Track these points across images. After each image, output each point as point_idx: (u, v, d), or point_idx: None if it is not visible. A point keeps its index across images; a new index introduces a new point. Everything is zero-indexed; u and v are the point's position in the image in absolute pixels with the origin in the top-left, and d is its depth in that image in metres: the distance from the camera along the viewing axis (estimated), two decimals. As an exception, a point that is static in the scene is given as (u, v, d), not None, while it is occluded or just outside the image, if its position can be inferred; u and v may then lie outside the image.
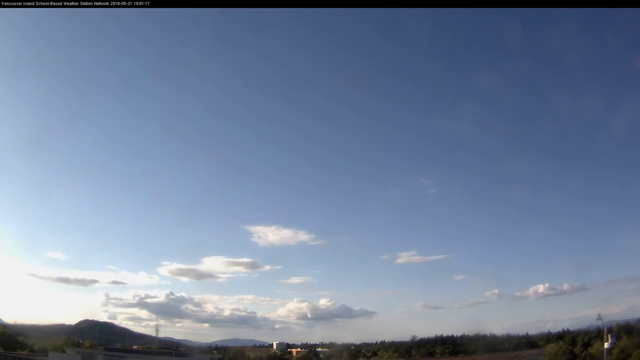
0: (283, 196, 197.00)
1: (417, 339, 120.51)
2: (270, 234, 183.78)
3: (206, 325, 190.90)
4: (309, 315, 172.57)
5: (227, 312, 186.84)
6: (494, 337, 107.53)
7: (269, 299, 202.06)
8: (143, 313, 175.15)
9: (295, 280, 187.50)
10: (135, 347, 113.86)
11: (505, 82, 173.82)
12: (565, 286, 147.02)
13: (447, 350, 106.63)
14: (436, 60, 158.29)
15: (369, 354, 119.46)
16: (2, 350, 73.11)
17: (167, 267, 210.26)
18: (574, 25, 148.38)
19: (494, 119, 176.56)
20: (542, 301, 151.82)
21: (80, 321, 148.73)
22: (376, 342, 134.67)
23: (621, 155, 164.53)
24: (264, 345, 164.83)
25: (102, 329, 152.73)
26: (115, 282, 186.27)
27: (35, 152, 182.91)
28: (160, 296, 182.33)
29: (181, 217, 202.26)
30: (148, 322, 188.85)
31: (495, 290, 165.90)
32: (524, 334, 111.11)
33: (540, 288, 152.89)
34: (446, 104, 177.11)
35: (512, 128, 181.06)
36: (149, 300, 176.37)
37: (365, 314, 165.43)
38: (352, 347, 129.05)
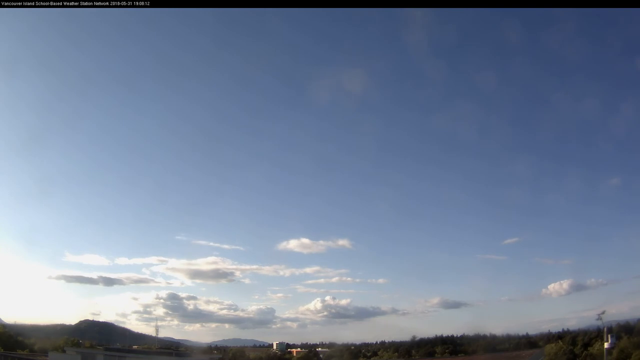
0: (295, 200, 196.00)
1: (417, 339, 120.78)
2: (296, 240, 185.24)
3: (227, 325, 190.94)
4: (335, 314, 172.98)
5: (247, 313, 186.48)
6: (494, 337, 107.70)
7: (289, 296, 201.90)
8: (157, 313, 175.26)
9: (321, 281, 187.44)
10: (135, 347, 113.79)
11: (505, 82, 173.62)
12: (591, 281, 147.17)
13: (447, 350, 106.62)
14: (435, 60, 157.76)
15: (369, 354, 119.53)
16: (1, 350, 73.13)
17: (182, 267, 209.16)
18: (574, 25, 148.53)
19: (493, 119, 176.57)
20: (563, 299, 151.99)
21: (80, 321, 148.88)
22: (376, 342, 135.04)
23: (621, 156, 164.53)
24: (264, 345, 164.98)
25: (102, 329, 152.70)
26: (127, 282, 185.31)
27: (35, 151, 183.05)
28: (175, 296, 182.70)
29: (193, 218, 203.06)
30: (162, 322, 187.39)
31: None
32: (524, 334, 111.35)
33: (564, 285, 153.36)
34: (445, 104, 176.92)
35: (512, 129, 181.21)
36: (163, 300, 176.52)
37: (395, 312, 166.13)
38: (352, 347, 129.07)
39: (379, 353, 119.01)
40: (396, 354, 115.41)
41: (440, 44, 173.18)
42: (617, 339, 68.81)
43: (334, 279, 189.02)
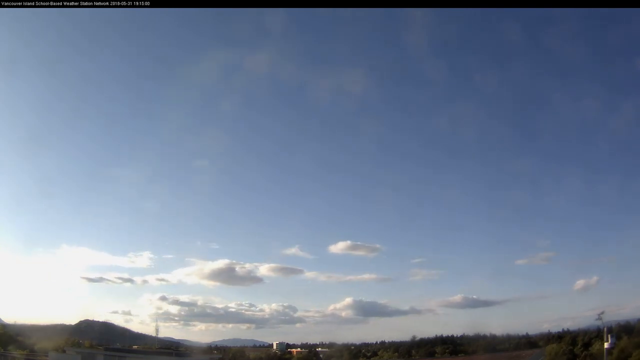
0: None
1: (417, 339, 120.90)
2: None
3: (246, 326, 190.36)
4: (359, 312, 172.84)
5: (266, 313, 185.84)
6: (494, 337, 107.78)
7: (308, 296, 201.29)
8: (173, 313, 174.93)
9: (344, 279, 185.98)
10: (135, 347, 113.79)
11: (505, 83, 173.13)
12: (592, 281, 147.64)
13: (447, 350, 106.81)
14: (435, 60, 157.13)
15: (369, 354, 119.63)
16: (1, 350, 73.36)
17: (200, 268, 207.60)
18: (574, 25, 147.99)
19: (493, 120, 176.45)
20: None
21: (80, 321, 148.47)
22: (376, 342, 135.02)
23: (621, 157, 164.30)
24: (264, 345, 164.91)
25: (102, 329, 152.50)
26: (140, 282, 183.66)
27: (37, 150, 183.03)
28: (192, 297, 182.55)
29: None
30: (176, 323, 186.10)
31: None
32: (524, 334, 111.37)
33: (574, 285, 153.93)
34: (445, 104, 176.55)
35: (512, 129, 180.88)
36: (178, 301, 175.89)
37: (416, 311, 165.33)
38: (352, 347, 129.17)
39: (379, 353, 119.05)
40: (396, 354, 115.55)
41: (440, 44, 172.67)
42: (617, 339, 68.82)
43: (356, 279, 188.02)
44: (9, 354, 71.38)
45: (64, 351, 74.82)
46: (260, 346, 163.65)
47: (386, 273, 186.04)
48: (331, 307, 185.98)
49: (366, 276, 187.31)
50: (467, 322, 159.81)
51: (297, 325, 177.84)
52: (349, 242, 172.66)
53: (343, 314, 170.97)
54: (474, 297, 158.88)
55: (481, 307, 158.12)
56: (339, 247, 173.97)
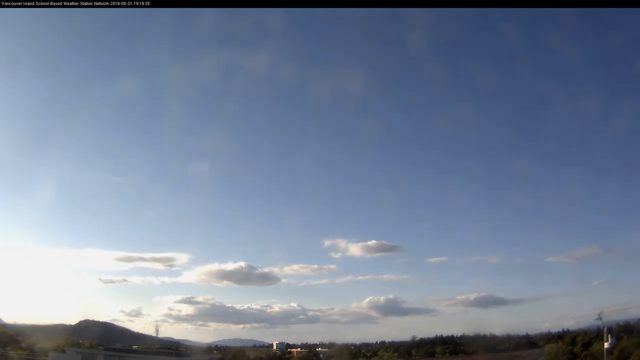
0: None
1: (417, 339, 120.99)
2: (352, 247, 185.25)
3: (260, 325, 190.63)
4: (377, 312, 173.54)
5: (277, 313, 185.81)
6: (494, 337, 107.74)
7: (323, 296, 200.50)
8: (187, 313, 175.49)
9: (359, 279, 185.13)
10: (135, 347, 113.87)
11: (505, 83, 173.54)
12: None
13: (447, 350, 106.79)
14: (436, 61, 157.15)
15: (369, 354, 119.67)
16: (1, 350, 73.44)
17: (213, 269, 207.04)
18: (574, 25, 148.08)
19: (493, 120, 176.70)
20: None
21: (80, 321, 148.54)
22: (376, 342, 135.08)
23: (622, 157, 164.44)
24: (264, 345, 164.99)
25: (102, 329, 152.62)
26: (156, 283, 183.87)
27: (37, 150, 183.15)
28: (206, 297, 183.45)
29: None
30: (187, 325, 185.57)
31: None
32: (524, 334, 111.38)
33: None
34: (445, 105, 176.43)
35: (512, 130, 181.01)
36: (191, 301, 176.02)
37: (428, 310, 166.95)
38: (352, 347, 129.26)
39: (379, 353, 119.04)
40: (396, 354, 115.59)
41: (440, 45, 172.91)
42: (617, 339, 68.87)
43: (374, 279, 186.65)
44: (9, 354, 71.38)
45: (64, 351, 74.80)
46: (260, 346, 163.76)
47: (405, 273, 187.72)
48: (349, 306, 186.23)
49: (385, 276, 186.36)
50: (481, 321, 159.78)
51: (314, 324, 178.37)
52: (367, 242, 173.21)
53: (362, 313, 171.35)
54: (489, 295, 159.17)
55: (500, 305, 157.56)
56: (358, 247, 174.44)
